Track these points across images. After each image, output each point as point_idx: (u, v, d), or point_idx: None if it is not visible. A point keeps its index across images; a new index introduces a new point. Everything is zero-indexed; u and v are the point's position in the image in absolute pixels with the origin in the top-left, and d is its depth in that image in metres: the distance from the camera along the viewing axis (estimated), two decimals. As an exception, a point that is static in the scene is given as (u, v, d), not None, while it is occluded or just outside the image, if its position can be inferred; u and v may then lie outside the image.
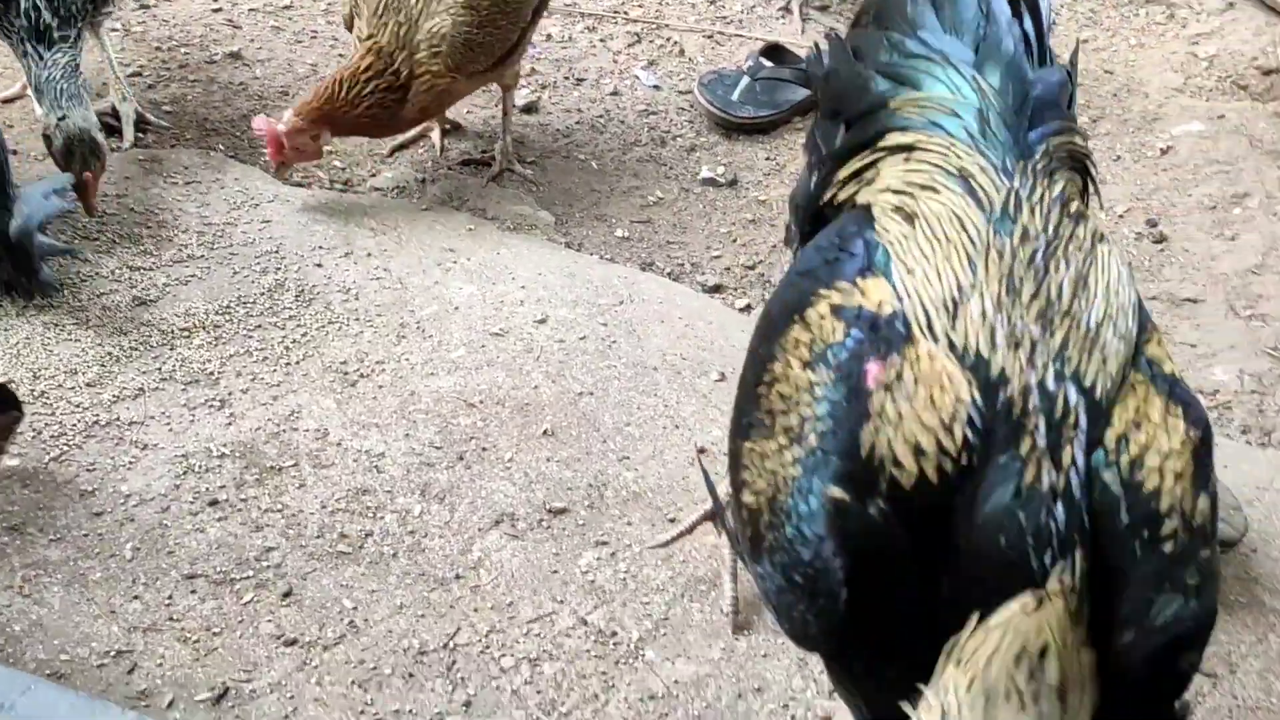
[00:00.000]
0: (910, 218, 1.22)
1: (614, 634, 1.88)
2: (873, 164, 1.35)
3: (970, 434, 1.04)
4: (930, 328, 1.11)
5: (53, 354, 2.25)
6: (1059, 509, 1.00)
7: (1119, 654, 1.00)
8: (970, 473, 1.05)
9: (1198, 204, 3.18)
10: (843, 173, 1.40)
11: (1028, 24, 1.41)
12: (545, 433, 2.27)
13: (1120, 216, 3.15)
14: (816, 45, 1.66)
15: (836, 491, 1.07)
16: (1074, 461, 1.04)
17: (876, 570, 1.05)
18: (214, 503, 2.03)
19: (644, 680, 1.80)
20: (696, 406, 2.36)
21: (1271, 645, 1.98)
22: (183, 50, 3.29)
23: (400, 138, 3.04)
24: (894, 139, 1.34)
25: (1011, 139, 1.27)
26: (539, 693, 1.78)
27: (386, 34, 2.61)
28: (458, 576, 1.96)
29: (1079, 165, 1.34)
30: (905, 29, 1.44)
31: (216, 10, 3.44)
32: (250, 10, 3.46)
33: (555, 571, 1.99)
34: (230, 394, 2.25)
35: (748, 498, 1.22)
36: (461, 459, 2.19)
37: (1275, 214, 3.15)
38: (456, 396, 2.32)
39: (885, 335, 1.12)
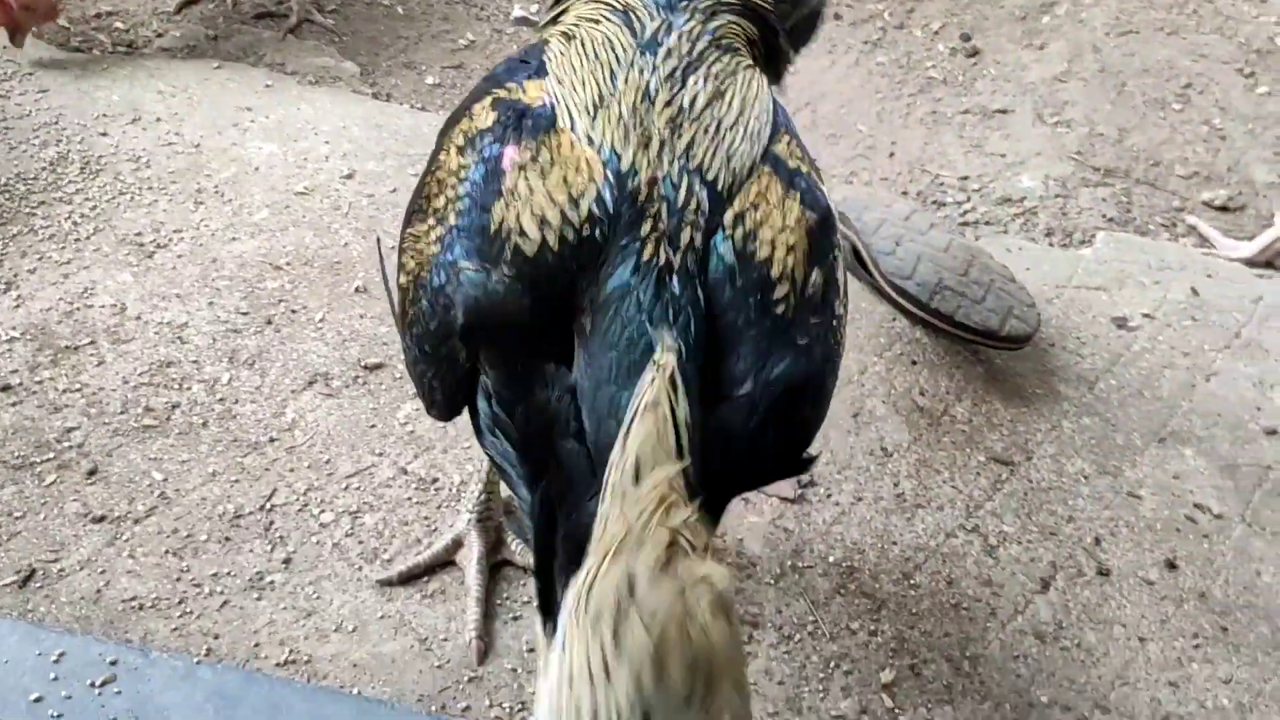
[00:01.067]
0: (569, 39, 1.34)
1: (435, 480, 1.89)
2: (566, 9, 1.45)
3: (597, 210, 1.12)
4: (573, 126, 1.20)
5: None
6: (674, 283, 1.08)
7: (737, 406, 1.07)
8: (596, 252, 1.11)
9: (1009, 15, 3.22)
10: (545, 18, 1.52)
11: None
12: (357, 290, 2.22)
13: (935, 33, 3.17)
14: None
15: (464, 263, 1.15)
16: (692, 241, 1.12)
17: (496, 335, 1.13)
18: (5, 388, 1.94)
19: (460, 521, 1.82)
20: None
21: (1064, 431, 2.10)
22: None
23: (185, -6, 2.85)
24: None
25: None
26: (360, 543, 1.78)
27: None
28: (272, 440, 1.93)
29: (752, 14, 1.42)
30: None
31: None
32: None
33: (373, 426, 1.97)
34: (16, 275, 2.13)
35: (402, 279, 1.31)
36: (270, 323, 2.13)
37: (1081, 20, 3.22)
38: (262, 260, 2.24)
39: (530, 124, 1.21)
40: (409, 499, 1.87)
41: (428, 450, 1.94)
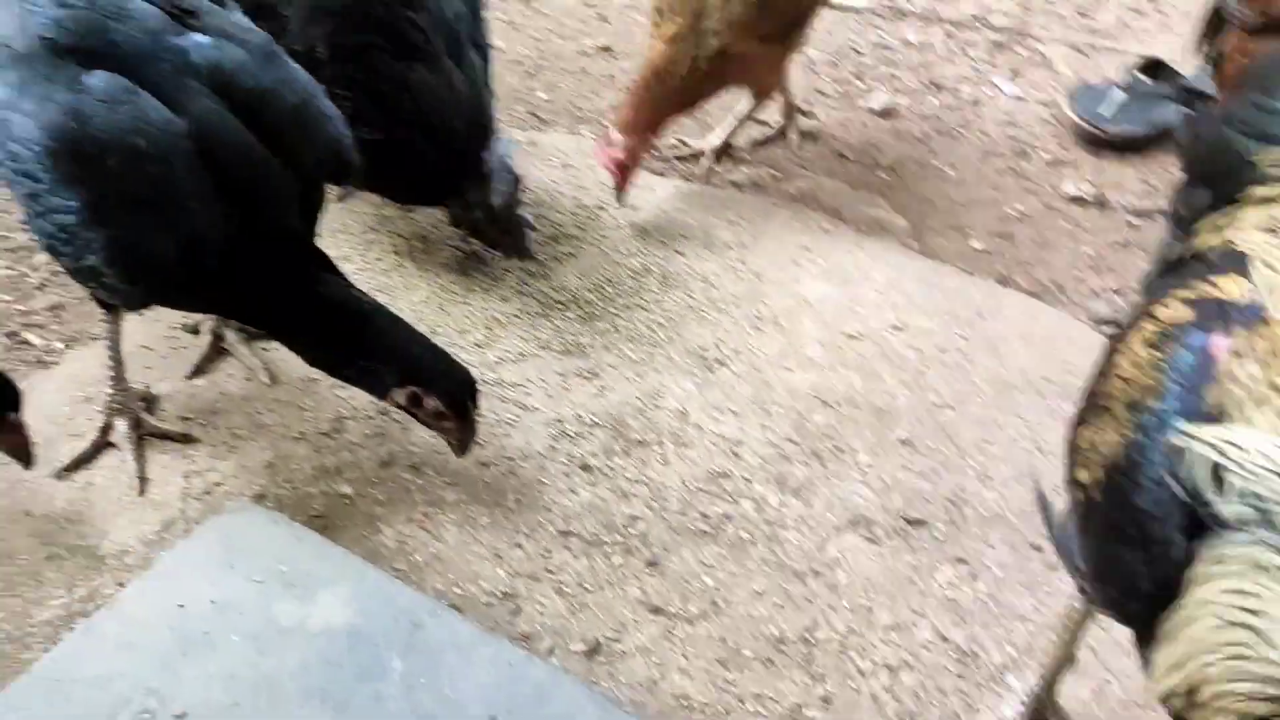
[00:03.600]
0: (1273, 230, 1.28)
1: (975, 654, 1.83)
2: (1234, 216, 1.37)
3: None
4: None
5: (447, 314, 2.43)
6: None
7: None
8: None
9: None
10: (1203, 225, 1.42)
11: None
12: (902, 441, 2.24)
13: None
14: (1188, 119, 1.68)
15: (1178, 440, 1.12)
16: None
17: None
18: (585, 467, 2.13)
19: (1006, 708, 1.74)
20: (1063, 433, 2.25)
21: None
22: (558, 41, 3.47)
23: (759, 136, 3.08)
24: (1258, 192, 1.36)
25: None
26: (898, 701, 1.76)
27: (681, 15, 2.56)
28: (815, 572, 1.96)
29: None
30: (1270, 89, 1.45)
31: (590, 6, 3.62)
32: (622, 7, 3.61)
33: (913, 582, 1.95)
34: (600, 367, 2.35)
35: (1084, 476, 1.29)
36: (817, 456, 2.19)
37: None
38: (811, 394, 2.33)
39: (1237, 317, 1.16)
40: (947, 667, 1.82)
41: (967, 621, 1.89)
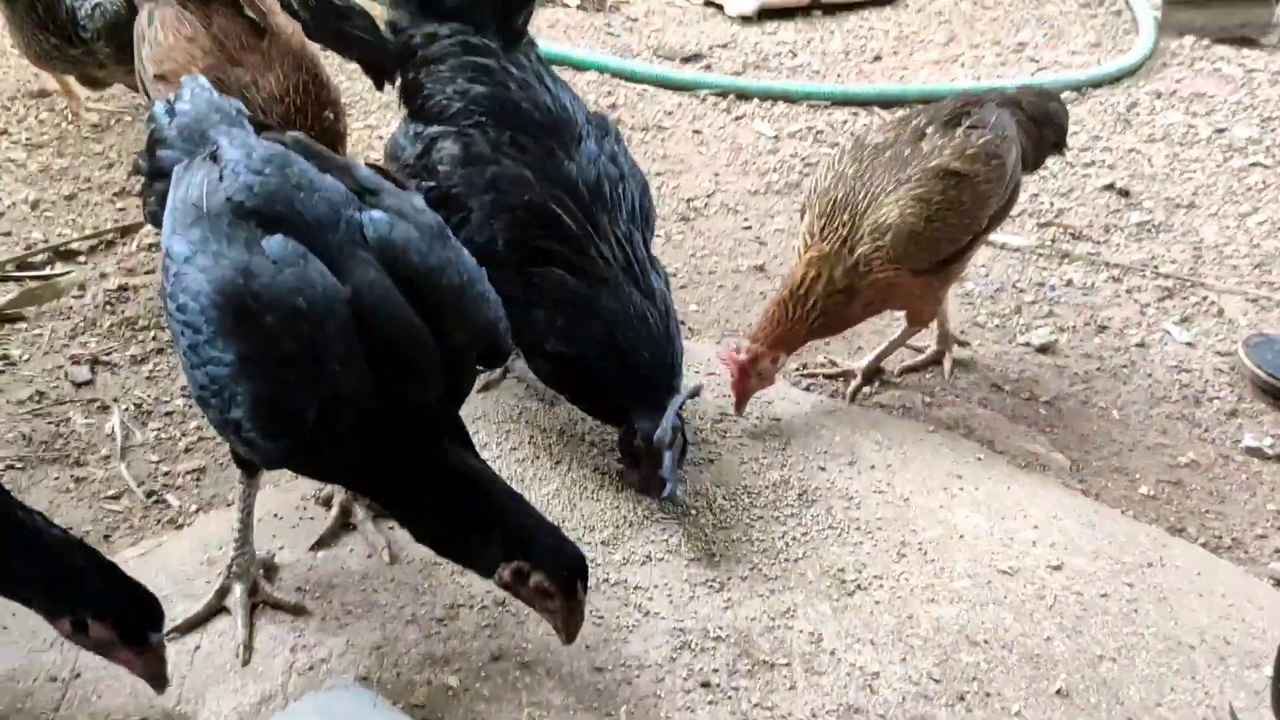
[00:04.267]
0: None
1: None
2: None
3: None
4: None
5: (577, 509, 2.37)
6: None
7: None
8: None
9: None
10: None
11: None
12: (1058, 692, 2.01)
13: None
14: None
15: None
16: None
17: None
18: (706, 684, 1.98)
19: None
20: (1247, 703, 1.99)
21: None
22: (713, 258, 3.53)
23: (910, 361, 3.01)
24: None
25: None
26: None
27: (830, 240, 2.57)
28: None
29: None
30: None
31: (747, 228, 3.69)
32: (777, 230, 3.67)
33: None
34: (729, 578, 2.22)
35: None
36: (962, 699, 1.98)
37: None
38: (958, 630, 2.13)
39: None
40: None
41: None
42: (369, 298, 1.82)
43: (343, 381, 1.77)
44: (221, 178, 1.87)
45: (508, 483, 1.90)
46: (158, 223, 1.98)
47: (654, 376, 2.30)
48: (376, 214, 1.91)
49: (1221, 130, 4.40)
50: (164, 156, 2.02)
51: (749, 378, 2.58)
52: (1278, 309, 3.35)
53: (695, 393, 2.40)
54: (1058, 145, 2.92)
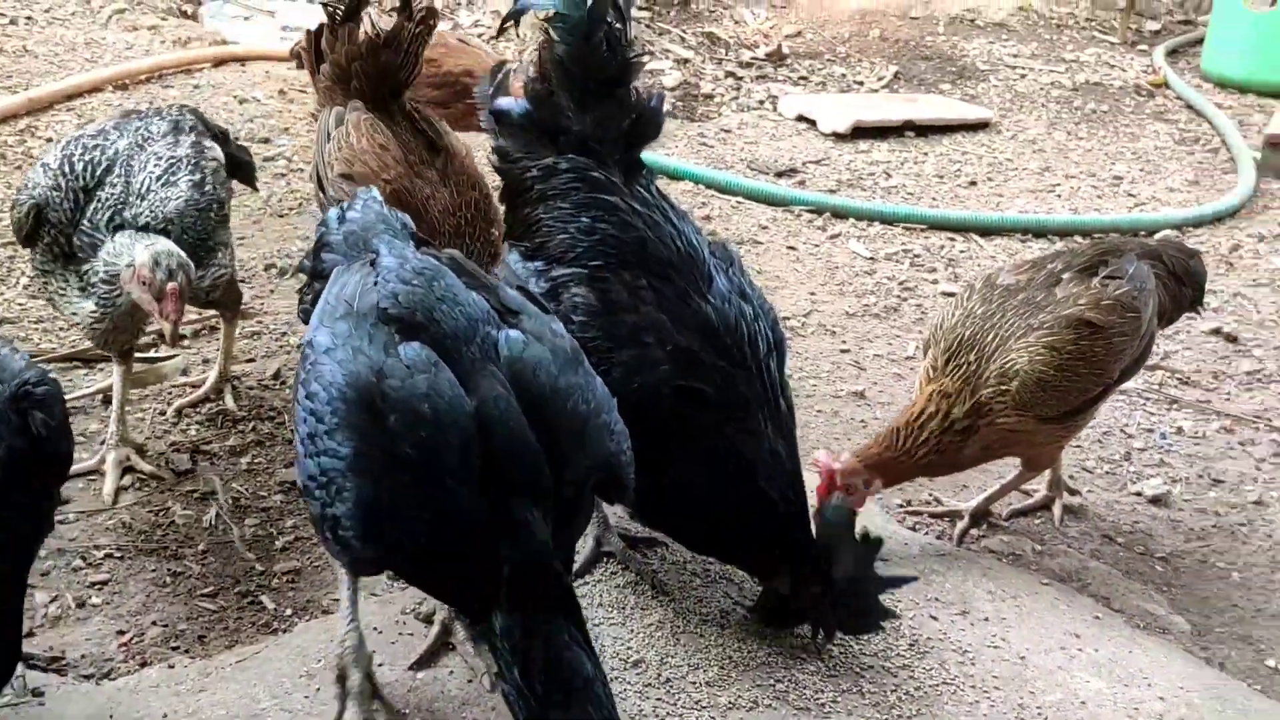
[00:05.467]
0: None
1: None
2: None
3: None
4: None
5: (680, 644, 2.28)
6: None
7: None
8: None
9: None
10: None
11: None
12: None
13: None
14: None
15: None
16: None
17: None
18: None
19: None
20: None
21: None
22: (812, 382, 3.48)
23: (1019, 505, 2.91)
24: None
25: None
26: None
27: (954, 377, 2.51)
28: None
29: None
30: None
31: (845, 352, 3.64)
32: (875, 355, 3.61)
33: None
34: (846, 734, 2.12)
35: None
36: None
37: None
38: (1086, 809, 2.00)
39: None
40: None
41: None
42: (492, 412, 1.78)
43: (455, 495, 1.72)
44: (375, 282, 1.88)
45: (608, 613, 1.82)
46: (308, 319, 1.99)
47: (788, 517, 2.23)
48: (513, 333, 1.89)
49: (1328, 279, 4.32)
50: (327, 259, 2.05)
51: (833, 485, 2.51)
52: (1402, 471, 3.22)
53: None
54: (1195, 302, 2.86)
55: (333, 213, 2.11)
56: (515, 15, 2.48)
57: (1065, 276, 2.58)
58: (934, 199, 4.82)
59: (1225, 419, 3.41)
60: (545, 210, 2.32)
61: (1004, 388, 2.47)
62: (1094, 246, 2.75)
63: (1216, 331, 3.87)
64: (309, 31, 3.10)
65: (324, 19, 3.01)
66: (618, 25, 2.34)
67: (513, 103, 2.39)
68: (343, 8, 2.94)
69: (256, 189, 3.54)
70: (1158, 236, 4.57)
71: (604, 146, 2.34)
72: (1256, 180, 5.06)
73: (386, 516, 1.73)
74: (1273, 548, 2.89)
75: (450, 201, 2.71)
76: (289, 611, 2.40)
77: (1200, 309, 2.94)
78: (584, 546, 2.48)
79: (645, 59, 2.51)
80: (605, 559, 2.49)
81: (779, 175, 4.92)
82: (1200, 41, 6.83)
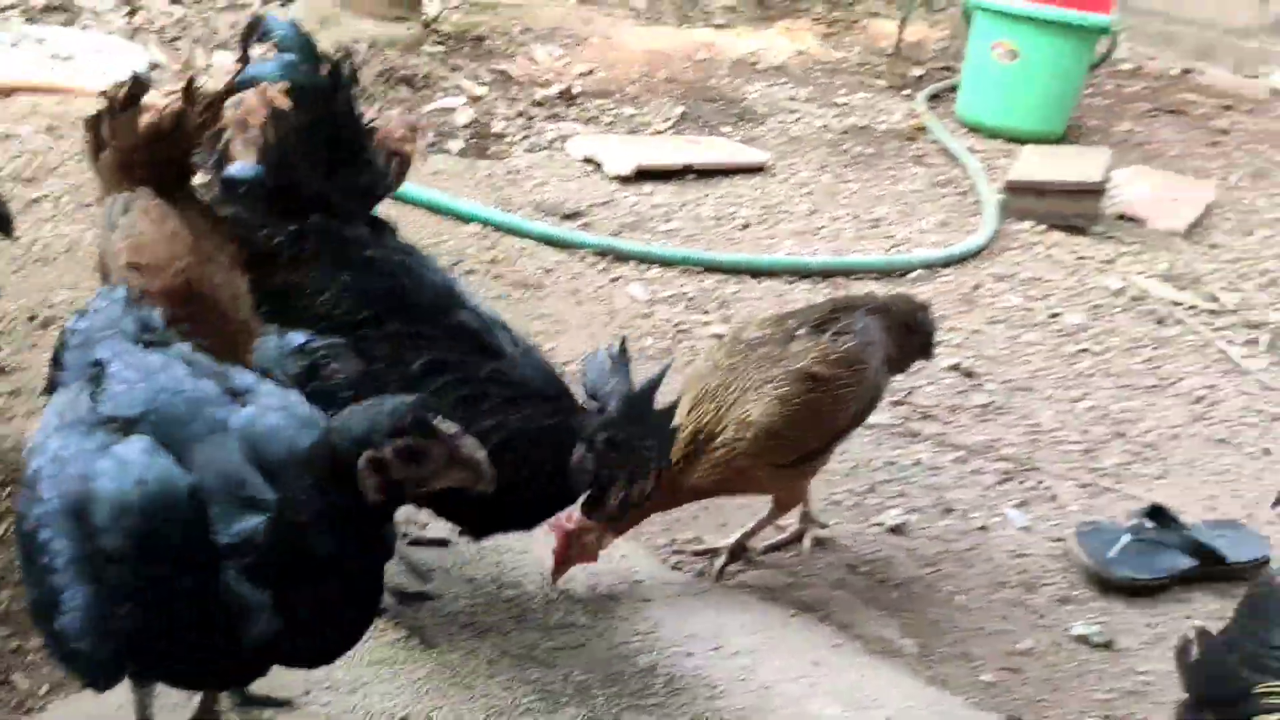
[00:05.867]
0: None
1: None
2: None
3: None
4: None
5: (446, 696, 2.38)
6: None
7: None
8: None
9: None
10: None
11: None
12: None
13: None
14: (1186, 637, 1.88)
15: None
16: None
17: None
18: None
19: None
20: None
21: None
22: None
23: (774, 540, 3.15)
24: None
25: None
26: None
27: (697, 423, 2.70)
28: None
29: None
30: (1275, 625, 1.65)
31: (620, 393, 3.81)
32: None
33: None
34: (598, 774, 2.26)
35: None
36: None
37: None
38: (815, 828, 2.22)
39: None
40: None
41: None
42: (213, 484, 1.79)
43: (178, 580, 1.73)
44: (94, 389, 1.88)
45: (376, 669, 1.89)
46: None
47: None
48: (244, 410, 1.91)
49: (1056, 315, 4.80)
50: (60, 373, 2.03)
51: (569, 546, 2.63)
52: (1105, 495, 3.64)
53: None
54: (924, 351, 3.16)
55: (72, 318, 2.10)
56: (242, 87, 2.49)
57: (800, 333, 2.82)
58: (710, 241, 5.08)
59: (959, 450, 3.76)
60: (300, 275, 2.38)
61: (740, 436, 2.70)
62: (828, 303, 3.02)
63: (955, 367, 4.25)
64: (87, 119, 2.96)
65: (102, 104, 2.90)
66: (351, 88, 2.44)
67: (247, 168, 2.42)
68: (121, 96, 2.82)
69: (14, 238, 3.42)
70: (911, 276, 4.98)
71: (348, 204, 2.44)
72: (999, 222, 5.56)
73: (112, 614, 1.73)
74: (993, 570, 3.23)
75: (242, 288, 2.70)
76: (44, 689, 2.36)
77: (930, 356, 3.26)
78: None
79: (378, 120, 2.60)
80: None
81: (566, 217, 5.07)
82: (957, 88, 7.41)
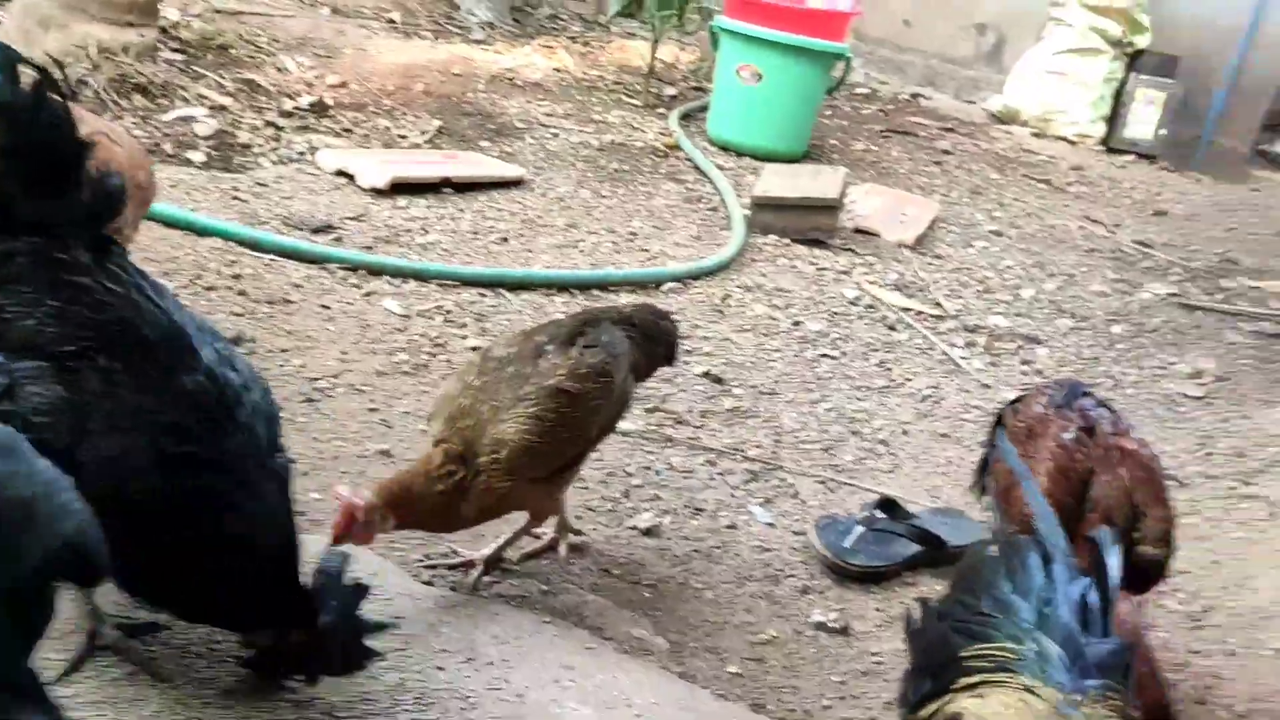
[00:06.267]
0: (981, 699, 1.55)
1: None
2: (947, 703, 1.65)
3: None
4: None
5: (179, 731, 2.26)
6: None
7: None
8: None
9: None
10: (923, 712, 1.70)
11: (1093, 594, 1.72)
12: None
13: (1241, 716, 3.07)
14: (909, 611, 2.02)
15: None
16: None
17: None
18: None
19: None
20: None
21: None
22: (338, 443, 3.54)
23: (530, 548, 3.17)
24: (964, 681, 1.65)
25: (1067, 684, 1.57)
26: None
27: (455, 442, 2.73)
28: None
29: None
30: (980, 593, 1.80)
31: (373, 410, 3.74)
32: (404, 413, 3.75)
33: None
34: (344, 797, 2.21)
35: None
36: None
37: None
38: (566, 828, 2.24)
39: None
40: None
41: None
42: None
43: None
44: None
45: (99, 708, 1.78)
46: None
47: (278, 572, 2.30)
48: None
49: (798, 323, 5.07)
50: None
51: (353, 521, 2.62)
52: (843, 489, 3.88)
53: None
54: (669, 358, 3.27)
55: None
56: None
57: (549, 348, 2.86)
58: (468, 255, 5.07)
59: (709, 453, 3.91)
60: (5, 297, 2.20)
61: (496, 455, 2.70)
62: (575, 317, 3.06)
63: (706, 374, 4.42)
64: None
65: None
66: (62, 106, 2.28)
67: None
68: None
69: None
70: (665, 288, 5.14)
71: (66, 227, 2.26)
72: (746, 235, 5.82)
73: None
74: (739, 566, 3.37)
75: None
76: None
77: (674, 362, 3.37)
78: (77, 642, 2.39)
79: (97, 139, 2.44)
80: (98, 653, 2.40)
81: (315, 231, 4.93)
82: (708, 108, 7.71)
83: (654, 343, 3.20)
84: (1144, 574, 2.63)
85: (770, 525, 3.59)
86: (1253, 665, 3.26)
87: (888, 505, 3.56)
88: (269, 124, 6.18)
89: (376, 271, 4.65)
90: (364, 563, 2.85)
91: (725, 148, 7.41)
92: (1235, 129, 10.12)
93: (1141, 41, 9.76)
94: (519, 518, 3.09)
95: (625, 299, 4.95)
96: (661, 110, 8.01)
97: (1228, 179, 9.99)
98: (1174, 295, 6.40)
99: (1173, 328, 5.94)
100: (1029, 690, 1.56)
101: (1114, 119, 9.83)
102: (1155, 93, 9.61)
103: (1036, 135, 9.70)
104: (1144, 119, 9.66)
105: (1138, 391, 5.08)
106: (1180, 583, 3.62)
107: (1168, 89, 9.64)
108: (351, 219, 5.15)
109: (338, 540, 2.64)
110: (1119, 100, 9.80)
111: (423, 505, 2.70)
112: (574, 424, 2.81)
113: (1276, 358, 5.86)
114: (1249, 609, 3.52)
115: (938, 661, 1.77)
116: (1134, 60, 9.84)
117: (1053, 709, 1.51)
